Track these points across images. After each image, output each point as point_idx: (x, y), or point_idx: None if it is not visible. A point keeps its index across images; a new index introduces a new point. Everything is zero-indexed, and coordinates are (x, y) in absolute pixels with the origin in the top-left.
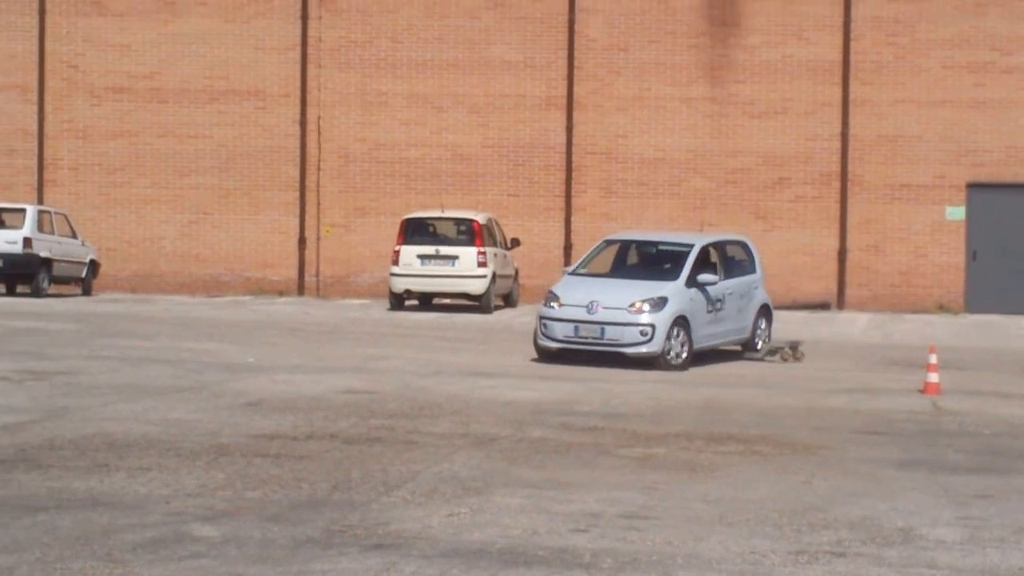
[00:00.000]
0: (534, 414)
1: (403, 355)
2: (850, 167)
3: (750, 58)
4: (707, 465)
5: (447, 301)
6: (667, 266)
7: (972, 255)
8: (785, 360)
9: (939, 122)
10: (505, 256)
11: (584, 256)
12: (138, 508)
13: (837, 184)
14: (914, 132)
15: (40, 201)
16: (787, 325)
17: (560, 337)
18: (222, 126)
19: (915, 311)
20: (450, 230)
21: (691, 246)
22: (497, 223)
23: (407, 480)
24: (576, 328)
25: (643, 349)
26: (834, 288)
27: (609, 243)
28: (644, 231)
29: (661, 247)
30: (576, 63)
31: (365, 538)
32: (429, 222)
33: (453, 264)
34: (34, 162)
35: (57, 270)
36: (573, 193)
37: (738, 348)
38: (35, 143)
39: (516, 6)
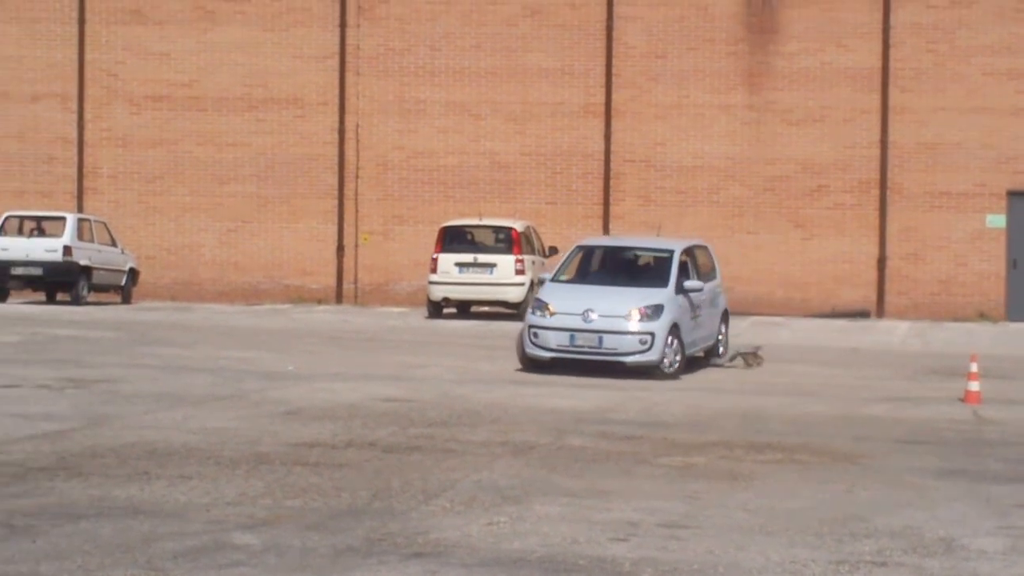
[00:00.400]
0: (573, 422)
1: (441, 363)
2: (889, 175)
3: (789, 65)
4: (747, 474)
5: (485, 309)
6: (649, 272)
7: (1012, 263)
8: (750, 365)
9: (979, 129)
10: (543, 264)
11: (561, 262)
12: (178, 516)
13: (876, 192)
14: (954, 139)
15: (80, 209)
16: (827, 333)
17: (553, 346)
18: (261, 134)
19: (955, 319)
20: (488, 238)
21: (671, 251)
22: (535, 231)
23: (446, 488)
24: (572, 337)
25: (643, 358)
26: (873, 296)
27: (583, 249)
28: (613, 237)
29: (640, 253)
30: (614, 70)
31: (405, 547)
32: (467, 230)
33: (491, 272)
34: (74, 170)
35: (97, 278)
36: (611, 201)
37: (700, 354)
38: (75, 151)
39: (554, 14)
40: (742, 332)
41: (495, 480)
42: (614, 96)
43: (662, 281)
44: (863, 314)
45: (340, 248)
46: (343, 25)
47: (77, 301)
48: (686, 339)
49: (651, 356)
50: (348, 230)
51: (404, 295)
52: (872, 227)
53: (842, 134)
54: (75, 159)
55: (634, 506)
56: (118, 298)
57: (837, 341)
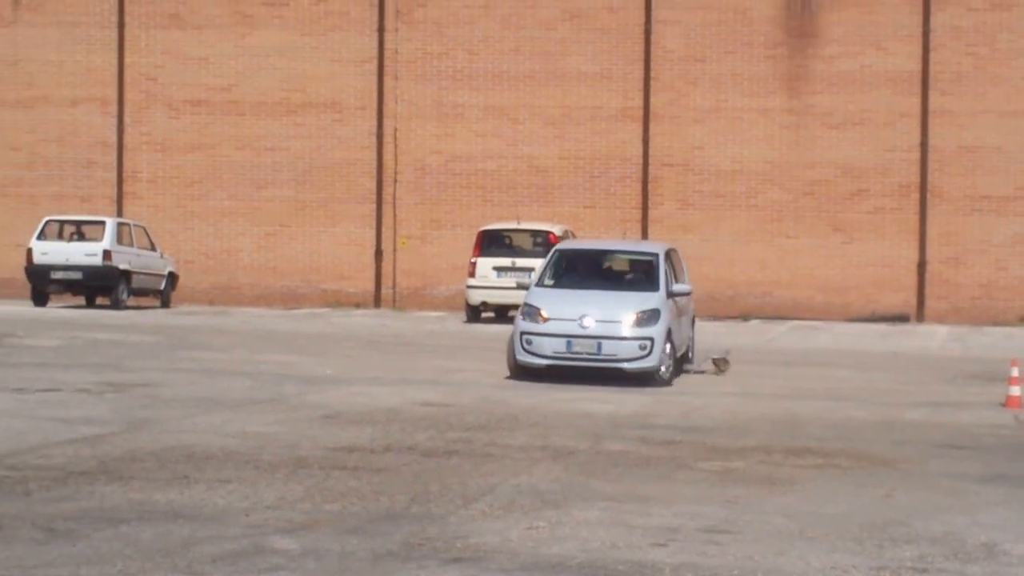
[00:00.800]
0: (611, 427)
1: (480, 367)
2: (929, 178)
3: (828, 68)
4: (786, 479)
5: None
6: (634, 276)
7: None
8: (721, 371)
9: (1020, 133)
10: None
11: (543, 267)
12: (218, 520)
13: (916, 196)
14: (994, 143)
15: (119, 213)
16: (866, 338)
17: (549, 353)
18: (299, 138)
19: (996, 324)
20: (526, 242)
21: (654, 255)
22: (573, 235)
23: (485, 493)
24: (569, 343)
25: (642, 364)
26: (913, 300)
27: (562, 252)
28: (591, 240)
29: (622, 256)
30: (652, 74)
31: (444, 551)
32: (505, 234)
33: (529, 276)
34: (113, 175)
35: (136, 282)
36: (649, 205)
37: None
38: (114, 156)
39: (593, 17)
40: (779, 337)
41: (534, 484)
42: (652, 100)
43: (652, 285)
44: (903, 318)
45: (378, 252)
46: (381, 29)
47: (116, 305)
48: (675, 343)
49: (650, 362)
50: (386, 234)
51: (442, 299)
52: (912, 231)
53: (882, 138)
54: (114, 163)
55: (674, 511)
56: (157, 302)
57: (876, 345)
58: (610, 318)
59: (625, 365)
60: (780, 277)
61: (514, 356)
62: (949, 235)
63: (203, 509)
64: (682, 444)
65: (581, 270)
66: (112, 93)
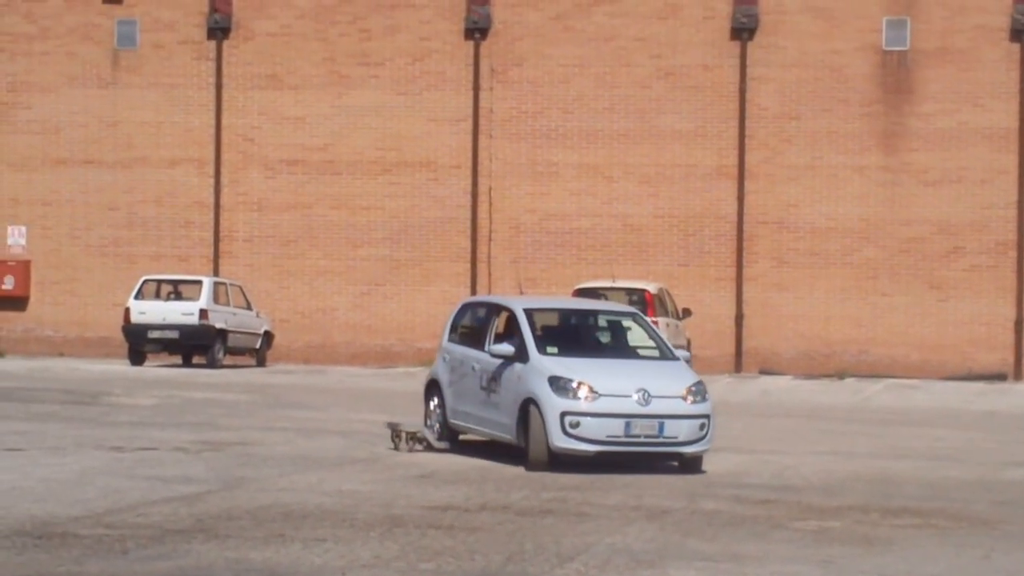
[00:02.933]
0: (706, 486)
1: None
2: None
3: (924, 126)
4: (883, 539)
5: None
6: (635, 340)
7: None
8: None
9: None
10: (677, 326)
11: (528, 332)
12: None
13: (1014, 253)
14: None
15: (216, 273)
16: (963, 396)
17: (602, 437)
18: (394, 197)
19: None
20: (621, 300)
21: (642, 315)
22: (668, 293)
23: (580, 552)
24: (628, 425)
25: (701, 446)
26: (1011, 359)
27: (528, 312)
28: (552, 298)
29: (611, 319)
30: (747, 132)
31: None
32: (600, 292)
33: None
34: (210, 234)
35: (232, 341)
36: (744, 263)
37: None
38: (211, 215)
39: (687, 76)
40: (875, 395)
41: (629, 544)
42: (747, 158)
43: (666, 351)
44: (1000, 377)
45: None
46: (476, 88)
47: (213, 364)
48: None
49: (706, 444)
50: (481, 292)
51: None
52: (1009, 289)
53: (978, 195)
54: (211, 223)
55: (770, 570)
56: (253, 361)
57: (973, 404)
58: (667, 393)
59: (686, 449)
60: (876, 335)
61: (550, 442)
62: None
63: (299, 568)
64: (777, 503)
65: (563, 334)
66: (209, 153)
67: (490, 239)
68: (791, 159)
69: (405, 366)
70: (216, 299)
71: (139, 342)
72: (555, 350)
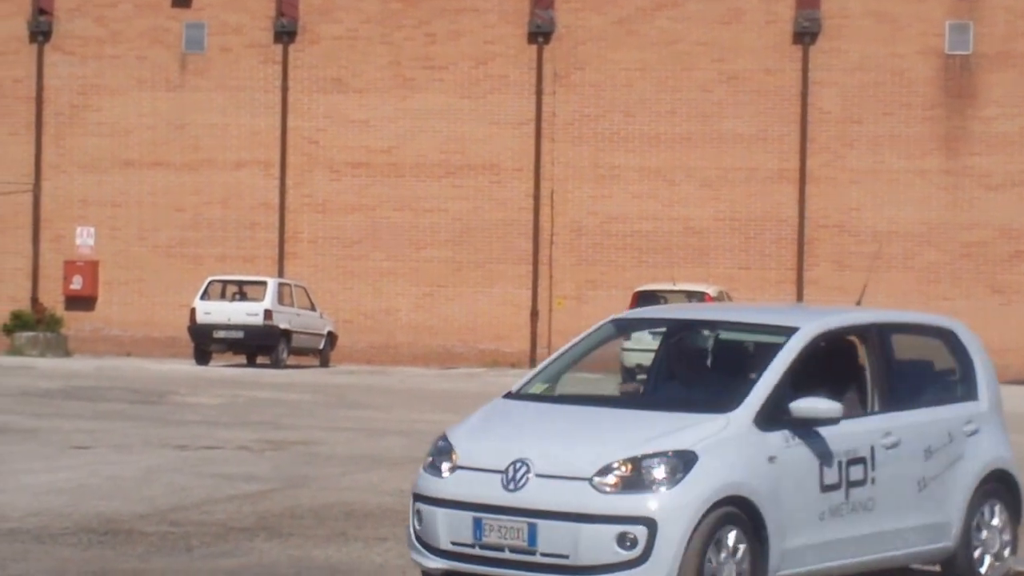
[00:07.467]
0: None
1: None
2: None
3: (987, 129)
4: None
5: None
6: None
7: None
8: None
9: None
10: None
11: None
12: None
13: None
14: None
15: (280, 274)
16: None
17: (446, 545)
18: (457, 200)
19: None
20: (681, 303)
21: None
22: (728, 296)
23: None
24: (478, 525)
25: None
26: None
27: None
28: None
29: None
30: (809, 135)
31: None
32: (660, 295)
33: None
34: (275, 235)
35: (296, 342)
36: (805, 267)
37: None
38: (276, 217)
39: (749, 79)
40: None
41: None
42: (809, 161)
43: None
44: None
45: (534, 313)
46: (539, 92)
47: (277, 364)
48: None
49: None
50: (542, 295)
51: (597, 361)
52: None
53: None
54: (276, 224)
55: None
56: (316, 361)
57: None
58: (563, 470)
59: None
60: None
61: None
62: None
63: (360, 566)
64: None
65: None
66: (275, 156)
67: (551, 242)
68: (852, 163)
69: (467, 367)
70: (280, 300)
71: (204, 342)
72: None
